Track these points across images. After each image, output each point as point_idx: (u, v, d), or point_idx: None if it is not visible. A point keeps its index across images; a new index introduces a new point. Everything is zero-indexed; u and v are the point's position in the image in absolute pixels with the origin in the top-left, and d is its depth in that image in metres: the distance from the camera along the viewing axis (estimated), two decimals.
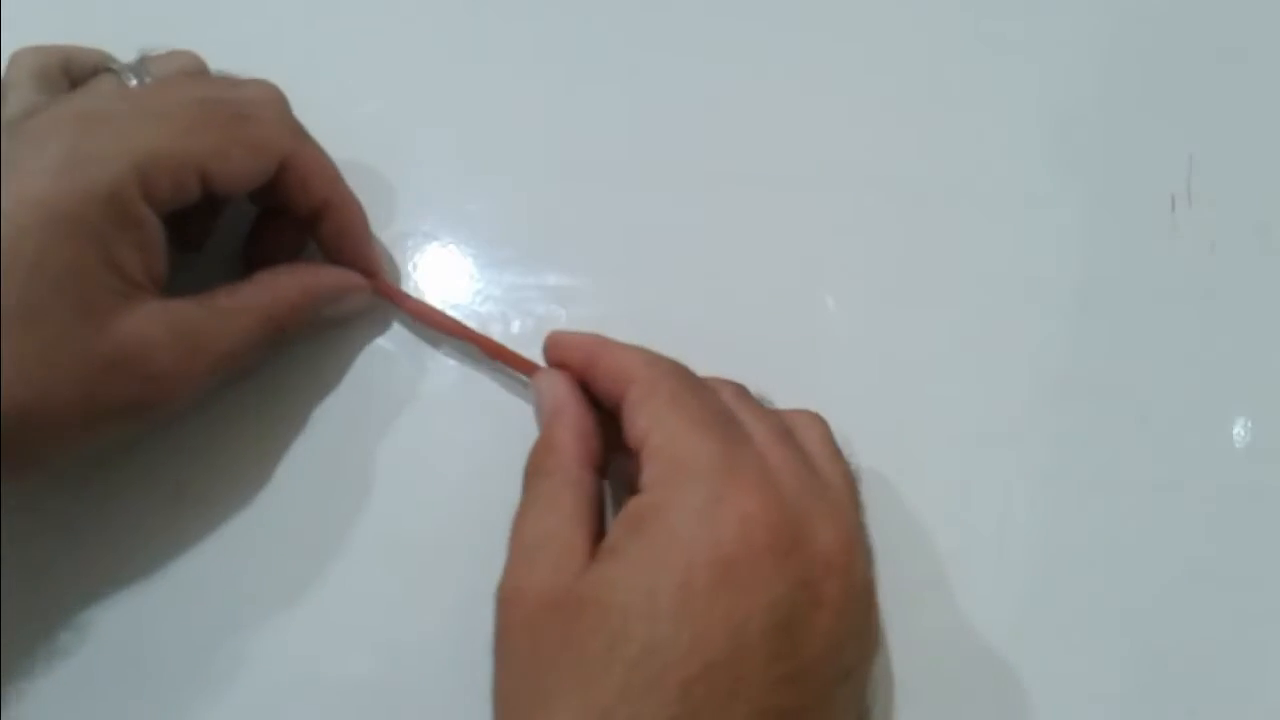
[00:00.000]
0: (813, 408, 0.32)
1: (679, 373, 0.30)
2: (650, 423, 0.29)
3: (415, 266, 0.37)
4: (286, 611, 0.33)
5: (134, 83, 0.32)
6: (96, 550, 0.33)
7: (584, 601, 0.26)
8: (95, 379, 0.29)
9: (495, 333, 0.36)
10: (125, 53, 0.34)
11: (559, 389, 0.32)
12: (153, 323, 0.29)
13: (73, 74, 0.33)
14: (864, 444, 0.34)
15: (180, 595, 0.33)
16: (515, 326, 0.36)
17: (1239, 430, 0.35)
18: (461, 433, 0.35)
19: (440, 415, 0.35)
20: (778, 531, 0.26)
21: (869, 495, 0.33)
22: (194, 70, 0.34)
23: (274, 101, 0.33)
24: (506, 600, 0.28)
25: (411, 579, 0.33)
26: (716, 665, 0.25)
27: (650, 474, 0.28)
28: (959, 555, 0.33)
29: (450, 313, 0.35)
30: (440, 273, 0.37)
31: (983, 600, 0.33)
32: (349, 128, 0.35)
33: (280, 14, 0.40)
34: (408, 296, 0.35)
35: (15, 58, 0.33)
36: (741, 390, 0.31)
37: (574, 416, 0.31)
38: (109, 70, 0.33)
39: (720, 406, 0.30)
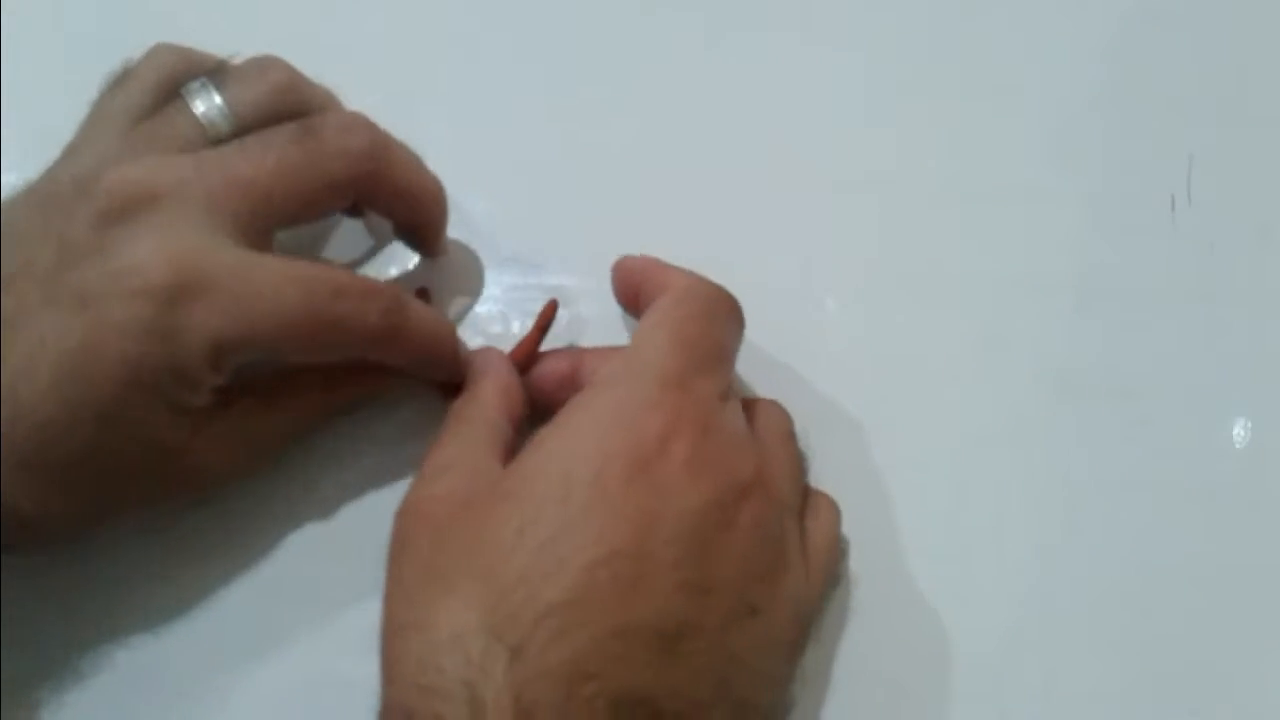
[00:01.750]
0: (813, 408, 0.32)
1: (708, 299, 0.31)
2: (651, 324, 0.30)
3: (415, 267, 0.37)
4: (288, 613, 0.33)
5: (203, 109, 0.30)
6: (96, 551, 0.33)
7: (502, 494, 0.27)
8: (161, 495, 0.31)
9: (495, 333, 0.36)
10: (133, 55, 0.33)
11: (490, 357, 0.33)
12: (217, 443, 0.30)
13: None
14: (863, 444, 0.34)
15: (181, 596, 0.33)
16: (515, 326, 0.36)
17: (1239, 430, 0.35)
18: None
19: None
20: (698, 449, 0.27)
21: (868, 495, 0.34)
22: (281, 101, 0.31)
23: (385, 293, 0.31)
24: (408, 511, 0.28)
25: None
26: (622, 554, 0.25)
27: (608, 368, 0.29)
28: (958, 555, 0.33)
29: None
30: (440, 273, 0.37)
31: (982, 600, 0.33)
32: None
33: (280, 13, 0.40)
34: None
35: (154, 52, 0.32)
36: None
37: (498, 375, 0.32)
38: (180, 98, 0.31)
39: (721, 344, 0.30)
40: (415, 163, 0.33)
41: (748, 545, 0.27)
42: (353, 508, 0.34)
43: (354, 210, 0.35)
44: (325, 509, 0.34)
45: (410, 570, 0.27)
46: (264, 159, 0.29)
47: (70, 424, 0.27)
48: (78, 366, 0.27)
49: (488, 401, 0.31)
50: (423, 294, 0.36)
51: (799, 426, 0.32)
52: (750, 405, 0.32)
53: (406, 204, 0.33)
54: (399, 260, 0.37)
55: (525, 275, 0.37)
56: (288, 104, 0.31)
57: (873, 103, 0.39)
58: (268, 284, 0.28)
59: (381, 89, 0.35)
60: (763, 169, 0.38)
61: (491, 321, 0.36)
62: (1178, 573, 0.33)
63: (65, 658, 0.32)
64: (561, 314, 0.36)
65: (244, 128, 0.31)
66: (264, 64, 0.32)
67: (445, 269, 0.37)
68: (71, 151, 0.31)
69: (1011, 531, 0.34)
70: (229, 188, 0.29)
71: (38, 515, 0.28)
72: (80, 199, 0.28)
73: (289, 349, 0.29)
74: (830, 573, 0.31)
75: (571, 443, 0.27)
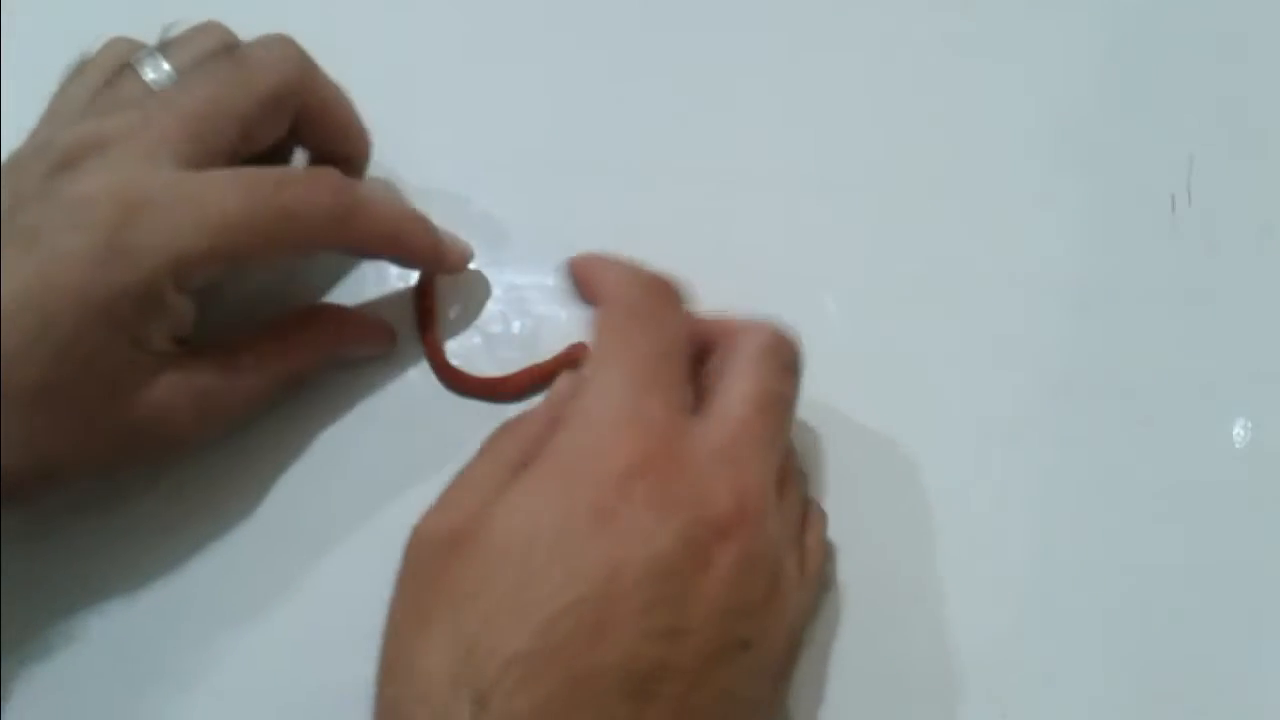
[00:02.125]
0: (812, 408, 0.32)
1: (639, 299, 0.30)
2: (590, 353, 0.29)
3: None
4: (290, 615, 0.33)
5: (153, 76, 0.31)
6: (96, 553, 0.33)
7: (472, 535, 0.26)
8: (114, 447, 0.30)
9: (495, 333, 0.36)
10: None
11: (567, 383, 0.32)
12: (173, 393, 0.30)
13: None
14: (863, 444, 0.34)
15: (182, 598, 0.33)
16: (515, 326, 0.36)
17: (1239, 430, 0.35)
18: (473, 436, 0.34)
19: (449, 417, 0.35)
20: (662, 484, 0.26)
21: (868, 496, 0.34)
22: (218, 49, 0.32)
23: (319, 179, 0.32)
24: (414, 541, 0.28)
25: None
26: (585, 601, 0.25)
27: (568, 408, 0.28)
28: (958, 555, 0.33)
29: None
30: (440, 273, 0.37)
31: (982, 600, 0.33)
32: None
33: (280, 13, 0.40)
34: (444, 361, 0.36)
35: (109, 43, 0.33)
36: (773, 344, 0.30)
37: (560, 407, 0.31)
38: (129, 67, 0.32)
39: (665, 345, 0.29)
40: (344, 93, 0.34)
41: (729, 585, 0.26)
42: (355, 509, 0.34)
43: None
44: (327, 510, 0.34)
45: (401, 606, 0.27)
46: (198, 89, 0.31)
47: (25, 359, 0.27)
48: (32, 299, 0.27)
49: (527, 436, 0.30)
50: (427, 296, 0.36)
51: (797, 428, 0.32)
52: None
53: (336, 128, 0.34)
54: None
55: (525, 275, 0.37)
56: (222, 51, 0.32)
57: (873, 102, 0.39)
58: (211, 190, 0.29)
59: (381, 90, 0.35)
60: (763, 169, 0.38)
61: (491, 321, 0.36)
62: (1178, 572, 0.33)
63: (62, 656, 0.32)
64: (561, 314, 0.36)
65: None
66: (202, 27, 0.33)
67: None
68: (34, 133, 0.32)
69: (1011, 531, 0.34)
70: (171, 124, 0.30)
71: None
72: (35, 158, 0.29)
73: (246, 251, 0.30)
74: (822, 581, 0.31)
75: (537, 494, 0.27)
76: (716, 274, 0.36)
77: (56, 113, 0.32)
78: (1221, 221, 0.37)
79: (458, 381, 0.35)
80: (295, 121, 0.33)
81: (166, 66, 0.31)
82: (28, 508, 0.30)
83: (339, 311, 0.35)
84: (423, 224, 0.34)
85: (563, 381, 0.32)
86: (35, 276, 0.27)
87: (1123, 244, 0.37)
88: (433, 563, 0.27)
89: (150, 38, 0.33)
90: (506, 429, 0.31)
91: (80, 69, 0.33)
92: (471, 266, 0.37)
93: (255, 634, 0.32)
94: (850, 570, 0.33)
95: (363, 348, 0.35)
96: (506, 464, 0.28)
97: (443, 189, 0.38)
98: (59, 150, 0.29)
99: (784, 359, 0.30)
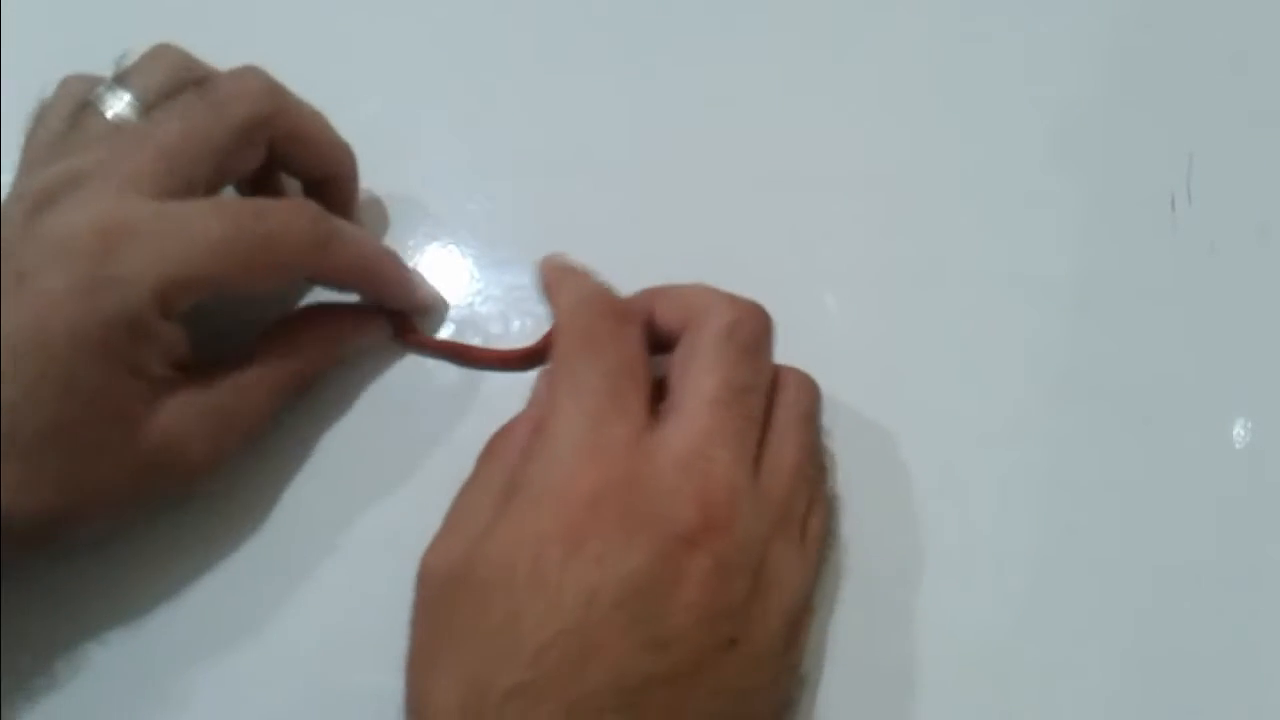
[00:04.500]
0: None
1: (589, 324, 0.30)
2: (547, 381, 0.30)
3: (415, 267, 0.37)
4: (295, 620, 0.33)
5: (115, 109, 0.31)
6: (99, 556, 0.33)
7: (465, 575, 0.27)
8: (133, 480, 0.30)
9: (495, 333, 0.36)
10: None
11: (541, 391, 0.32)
12: (182, 417, 0.30)
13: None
14: (863, 444, 0.34)
15: (185, 601, 0.33)
16: (515, 326, 0.36)
17: (1239, 430, 0.35)
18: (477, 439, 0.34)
19: (452, 420, 0.35)
20: (629, 509, 0.27)
21: (868, 496, 0.34)
22: (179, 77, 0.32)
23: (296, 208, 0.32)
24: (419, 580, 0.29)
25: None
26: (568, 632, 0.26)
27: (533, 442, 0.29)
28: (958, 555, 0.33)
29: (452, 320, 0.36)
30: (440, 273, 0.37)
31: (982, 600, 0.33)
32: (349, 128, 0.35)
33: (280, 13, 0.40)
34: (429, 339, 0.36)
35: (64, 84, 0.33)
36: (730, 328, 0.30)
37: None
38: (89, 104, 0.31)
39: (619, 366, 0.29)
40: (318, 114, 0.34)
41: (707, 592, 0.27)
42: (362, 514, 0.34)
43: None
44: (330, 515, 0.34)
45: (415, 644, 0.28)
46: (170, 123, 0.31)
47: (31, 403, 0.27)
48: (27, 340, 0.27)
49: (516, 445, 0.30)
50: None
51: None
52: (774, 374, 0.31)
53: (314, 150, 0.34)
54: None
55: (525, 275, 0.37)
56: (186, 79, 0.32)
57: (873, 102, 0.39)
58: (192, 219, 0.30)
59: (381, 90, 0.35)
60: (763, 168, 0.38)
61: (491, 321, 0.36)
62: (1178, 572, 0.33)
63: (63, 665, 0.32)
64: None
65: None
66: (155, 52, 0.33)
67: (446, 269, 0.37)
68: (12, 187, 0.31)
69: (1012, 531, 0.34)
70: (145, 157, 0.30)
71: (13, 511, 0.28)
72: (14, 205, 0.29)
73: (228, 277, 0.30)
74: (826, 545, 0.32)
75: (511, 531, 0.27)
76: (716, 274, 0.36)
77: (28, 163, 0.32)
78: (1221, 221, 0.37)
79: (465, 354, 0.35)
80: (272, 148, 0.33)
81: (127, 97, 0.31)
82: (51, 550, 0.31)
83: (333, 309, 0.35)
84: (396, 261, 0.35)
85: (540, 383, 0.32)
86: (29, 319, 0.28)
87: (1123, 244, 0.37)
88: (438, 602, 0.28)
89: (154, 40, 0.33)
90: (491, 451, 0.31)
91: (40, 115, 0.32)
92: (472, 266, 0.37)
93: (262, 638, 0.32)
94: (850, 569, 0.33)
95: (363, 339, 0.35)
96: (495, 491, 0.29)
97: (443, 189, 0.38)
98: (35, 191, 0.29)
99: (743, 340, 0.30)
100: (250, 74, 0.32)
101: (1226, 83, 0.39)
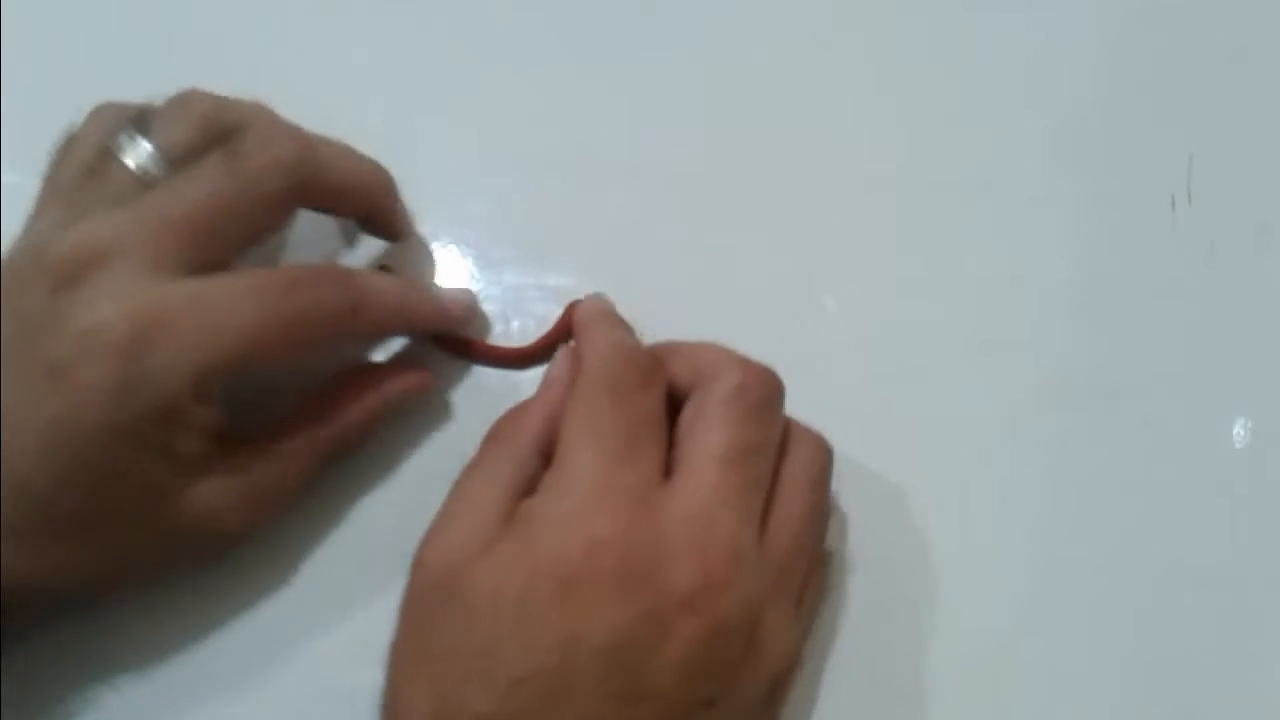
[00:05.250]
0: (811, 407, 0.32)
1: (618, 372, 0.30)
2: (566, 419, 0.30)
3: (416, 268, 0.37)
4: (293, 620, 0.33)
5: (136, 162, 0.30)
6: (106, 626, 0.33)
7: (456, 590, 0.27)
8: (168, 551, 0.30)
9: (495, 333, 0.36)
10: (132, 55, 0.33)
11: (562, 369, 0.32)
12: (222, 490, 0.30)
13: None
14: (863, 444, 0.34)
15: (189, 603, 0.33)
16: (515, 326, 0.36)
17: (1239, 430, 0.35)
18: (474, 437, 0.34)
19: (450, 417, 0.35)
20: (625, 561, 0.27)
21: (868, 495, 0.34)
22: (206, 132, 0.31)
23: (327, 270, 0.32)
24: (414, 568, 0.29)
25: None
26: (545, 671, 0.26)
27: (545, 475, 0.29)
28: (958, 556, 0.33)
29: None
30: (440, 273, 0.37)
31: (982, 601, 0.33)
32: (349, 128, 0.35)
33: (280, 14, 0.40)
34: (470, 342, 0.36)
35: (95, 114, 0.32)
36: (740, 389, 0.30)
37: (553, 398, 0.31)
38: (110, 152, 0.30)
39: (641, 418, 0.29)
40: (348, 156, 0.33)
41: (693, 652, 0.27)
42: (365, 515, 0.34)
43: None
44: (336, 514, 0.34)
45: (399, 646, 0.28)
46: (195, 194, 0.29)
47: (65, 492, 0.28)
48: (60, 435, 0.27)
49: (528, 427, 0.31)
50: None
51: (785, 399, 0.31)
52: (786, 435, 0.31)
53: (349, 199, 0.33)
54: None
55: (525, 275, 0.37)
56: (214, 131, 0.31)
57: (873, 102, 0.39)
58: (222, 303, 0.29)
59: (381, 91, 0.35)
60: (762, 168, 0.38)
61: (492, 321, 0.36)
62: (1177, 573, 0.33)
63: (54, 654, 0.32)
64: (560, 313, 0.36)
65: (176, 166, 0.30)
66: (184, 100, 0.32)
67: (446, 270, 0.37)
68: (28, 226, 0.31)
69: (1012, 532, 0.34)
70: (168, 230, 0.29)
71: (50, 583, 0.28)
72: (33, 271, 0.29)
73: (264, 355, 0.29)
74: (817, 614, 0.32)
75: (507, 557, 0.27)
76: (717, 274, 0.36)
77: (46, 200, 0.31)
78: (1221, 221, 0.37)
79: (465, 350, 0.35)
80: (305, 200, 0.32)
81: (148, 147, 0.30)
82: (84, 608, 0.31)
83: (374, 370, 0.34)
84: (423, 295, 0.34)
85: (560, 360, 0.33)
86: (64, 412, 0.27)
87: (1123, 244, 0.37)
88: (427, 603, 0.28)
89: (153, 40, 0.33)
90: (498, 436, 0.31)
91: (66, 147, 0.32)
92: (472, 266, 0.37)
93: (265, 638, 0.32)
94: (850, 570, 0.33)
95: (405, 399, 0.34)
96: (501, 483, 0.29)
97: (443, 190, 0.38)
98: (57, 262, 0.28)
99: (752, 401, 0.30)
100: (282, 139, 0.31)
101: (1226, 83, 0.39)
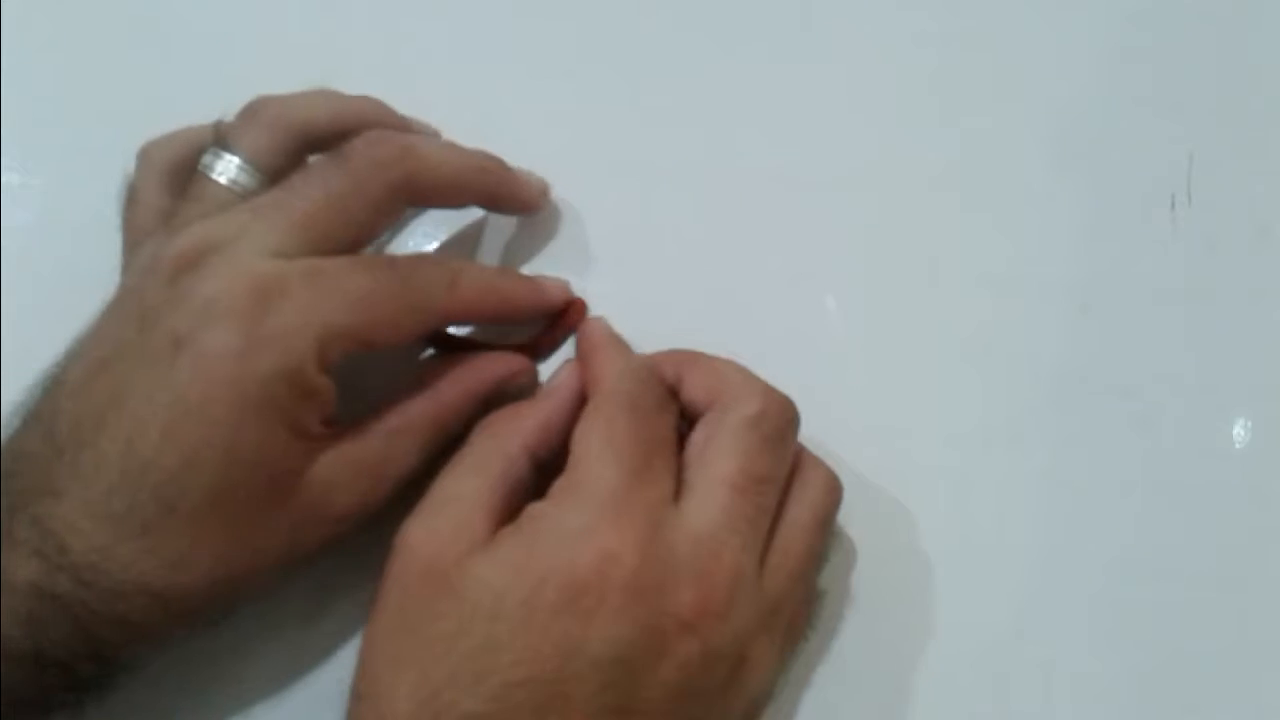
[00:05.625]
0: (812, 407, 0.31)
1: (632, 394, 0.30)
2: (582, 433, 0.30)
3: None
4: (292, 619, 0.33)
5: (228, 178, 0.31)
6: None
7: (450, 584, 0.27)
8: (289, 540, 0.30)
9: (494, 331, 0.36)
10: (132, 55, 0.33)
11: (566, 380, 0.32)
12: (335, 470, 0.30)
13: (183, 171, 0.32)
14: (863, 444, 0.34)
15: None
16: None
17: (1239, 430, 0.35)
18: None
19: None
20: (635, 576, 0.27)
21: (867, 496, 0.34)
22: (286, 134, 0.32)
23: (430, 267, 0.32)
24: (399, 551, 0.29)
25: None
26: (540, 679, 0.26)
27: (557, 483, 0.29)
28: (958, 555, 0.33)
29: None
30: None
31: (982, 601, 0.33)
32: None
33: (280, 15, 0.40)
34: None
35: (144, 156, 0.33)
36: (757, 418, 0.30)
37: (553, 406, 0.31)
38: (198, 173, 0.31)
39: (657, 438, 0.30)
40: (448, 150, 0.34)
41: (686, 674, 0.27)
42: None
43: None
44: None
45: (382, 630, 0.28)
46: (312, 192, 0.30)
47: (192, 470, 0.27)
48: (188, 407, 0.27)
49: (521, 428, 0.31)
50: None
51: (800, 429, 0.31)
52: (798, 465, 0.31)
53: (457, 190, 0.34)
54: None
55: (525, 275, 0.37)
56: (294, 131, 0.32)
57: (873, 102, 0.39)
58: (338, 273, 0.29)
59: (383, 91, 0.35)
60: (762, 168, 0.38)
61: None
62: (1178, 572, 0.33)
63: None
64: None
65: (265, 173, 0.32)
66: (253, 109, 0.33)
67: None
68: (126, 272, 0.31)
69: (1012, 531, 0.34)
70: (287, 223, 0.30)
71: (171, 588, 0.28)
72: (148, 276, 0.29)
73: (377, 326, 0.30)
74: (792, 643, 0.32)
75: (514, 559, 0.27)
76: (716, 273, 0.36)
77: (133, 243, 0.32)
78: (1221, 221, 0.37)
79: (463, 348, 0.35)
80: (414, 197, 0.33)
81: (235, 160, 0.31)
82: (209, 627, 0.31)
83: (473, 356, 0.34)
84: (518, 276, 0.35)
85: (564, 372, 0.33)
86: (188, 382, 0.27)
87: (1123, 244, 0.37)
88: (414, 595, 0.28)
89: (153, 40, 0.33)
90: (490, 430, 0.31)
91: (132, 194, 0.32)
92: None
93: (266, 638, 0.33)
94: (849, 570, 0.33)
95: (503, 383, 0.34)
96: (490, 482, 0.29)
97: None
98: (173, 257, 0.29)
99: (768, 431, 0.30)
100: (382, 138, 0.32)
101: (1226, 83, 0.39)
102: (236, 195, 0.31)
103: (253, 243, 0.29)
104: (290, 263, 0.29)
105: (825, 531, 0.31)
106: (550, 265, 0.37)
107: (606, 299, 0.36)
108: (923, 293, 0.36)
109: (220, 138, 0.32)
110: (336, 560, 0.32)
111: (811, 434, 0.32)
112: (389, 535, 0.29)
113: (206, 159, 0.32)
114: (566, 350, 0.35)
